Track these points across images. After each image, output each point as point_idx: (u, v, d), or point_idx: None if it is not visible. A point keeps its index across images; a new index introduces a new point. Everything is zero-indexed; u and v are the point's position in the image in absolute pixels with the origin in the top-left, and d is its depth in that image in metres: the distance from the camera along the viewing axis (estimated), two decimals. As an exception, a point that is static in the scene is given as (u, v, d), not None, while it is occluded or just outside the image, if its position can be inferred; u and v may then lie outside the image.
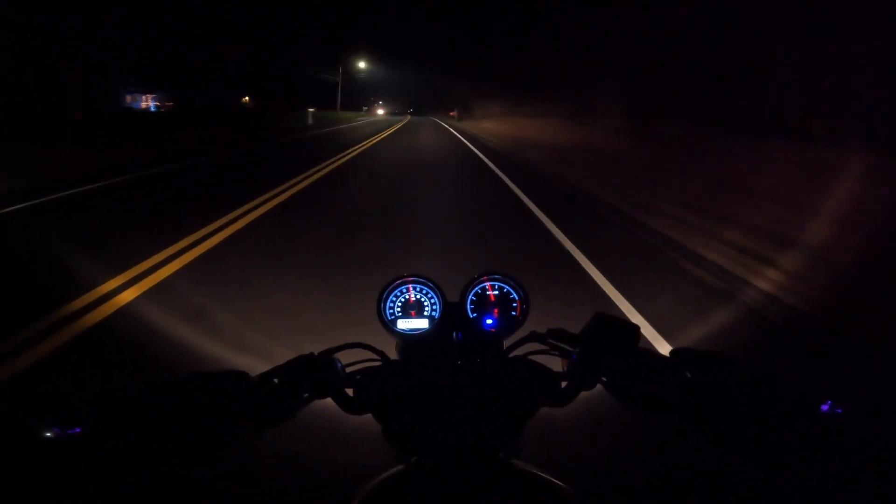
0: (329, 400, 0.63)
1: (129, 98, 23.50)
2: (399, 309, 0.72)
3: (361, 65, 48.82)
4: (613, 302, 3.13)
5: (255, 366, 0.63)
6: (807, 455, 0.43)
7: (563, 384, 0.65)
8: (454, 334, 0.68)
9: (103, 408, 0.47)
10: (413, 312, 0.72)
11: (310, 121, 25.30)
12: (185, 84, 22.46)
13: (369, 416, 0.66)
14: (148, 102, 25.24)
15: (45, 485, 0.37)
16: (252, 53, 26.03)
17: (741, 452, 0.48)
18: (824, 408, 0.45)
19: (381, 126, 28.95)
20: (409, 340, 0.70)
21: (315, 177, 7.97)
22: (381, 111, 71.83)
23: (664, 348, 2.46)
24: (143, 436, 0.46)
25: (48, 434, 0.43)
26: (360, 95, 74.95)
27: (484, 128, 24.92)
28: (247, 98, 32.92)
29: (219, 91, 23.97)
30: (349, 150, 12.72)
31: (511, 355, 0.70)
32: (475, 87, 30.48)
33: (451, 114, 47.11)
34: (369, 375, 0.65)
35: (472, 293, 0.72)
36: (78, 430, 0.44)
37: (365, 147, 14.33)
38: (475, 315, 0.71)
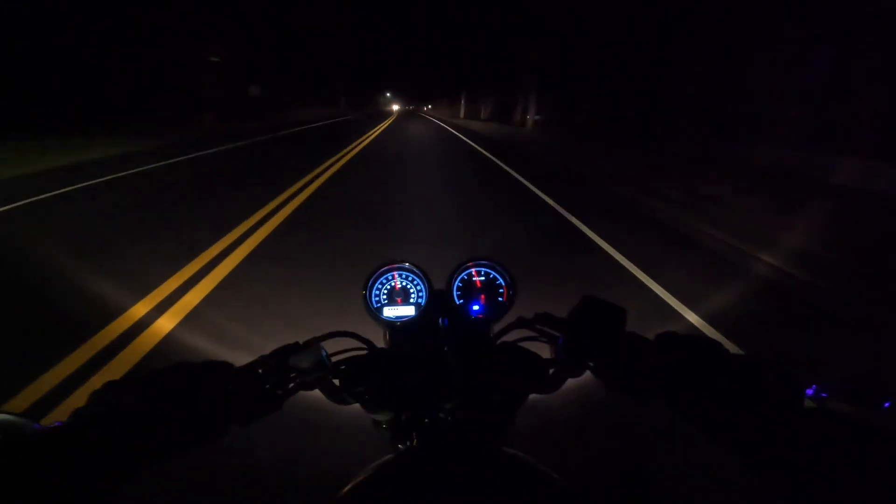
0: (318, 391, 0.63)
1: None
2: (385, 296, 0.71)
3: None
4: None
5: (240, 357, 0.63)
6: (791, 438, 0.41)
7: (551, 370, 0.63)
8: (441, 321, 0.67)
9: (86, 401, 0.47)
10: (399, 300, 0.71)
11: None
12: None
13: (358, 405, 0.66)
14: None
15: (29, 481, 0.37)
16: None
17: (727, 436, 0.47)
18: (809, 392, 0.43)
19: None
20: (396, 328, 0.69)
21: None
22: (395, 107, 51.65)
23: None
24: (126, 429, 0.45)
25: (31, 429, 0.42)
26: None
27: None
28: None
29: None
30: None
31: (499, 342, 0.69)
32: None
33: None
34: (355, 364, 0.65)
35: (458, 279, 0.70)
36: (59, 423, 0.44)
37: None
38: (462, 301, 0.70)
